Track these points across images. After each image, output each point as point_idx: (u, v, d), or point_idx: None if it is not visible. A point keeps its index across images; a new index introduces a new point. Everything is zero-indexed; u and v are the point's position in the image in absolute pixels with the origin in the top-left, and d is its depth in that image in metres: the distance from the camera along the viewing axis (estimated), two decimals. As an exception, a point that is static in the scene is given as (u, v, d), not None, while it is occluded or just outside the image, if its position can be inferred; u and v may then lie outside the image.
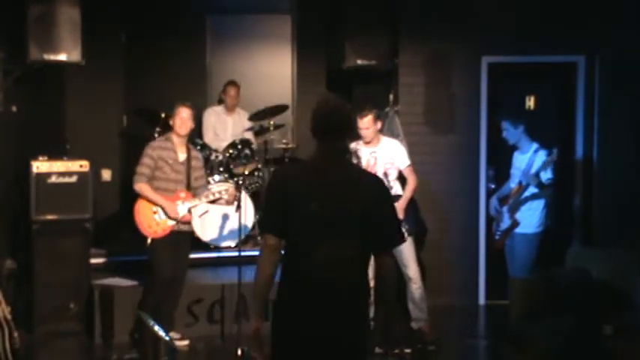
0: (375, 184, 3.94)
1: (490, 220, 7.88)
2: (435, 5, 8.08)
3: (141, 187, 6.62)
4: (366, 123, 6.80)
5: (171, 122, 6.79)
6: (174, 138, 6.73)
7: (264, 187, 8.62)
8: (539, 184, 6.77)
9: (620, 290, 5.89)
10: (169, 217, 6.63)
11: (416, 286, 6.95)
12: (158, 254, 6.61)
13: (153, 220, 6.63)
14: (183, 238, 6.80)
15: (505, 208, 6.95)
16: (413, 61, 8.14)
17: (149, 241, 6.63)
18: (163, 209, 6.62)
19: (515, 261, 6.91)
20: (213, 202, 6.94)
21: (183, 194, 6.70)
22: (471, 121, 8.17)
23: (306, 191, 3.78)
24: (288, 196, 3.78)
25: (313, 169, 3.87)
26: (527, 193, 6.86)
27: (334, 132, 3.85)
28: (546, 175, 6.80)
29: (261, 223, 4.10)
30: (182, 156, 6.74)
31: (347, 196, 3.77)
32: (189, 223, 6.80)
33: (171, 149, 6.71)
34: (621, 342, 5.49)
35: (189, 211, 6.77)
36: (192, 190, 6.80)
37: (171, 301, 6.76)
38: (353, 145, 6.82)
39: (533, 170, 6.74)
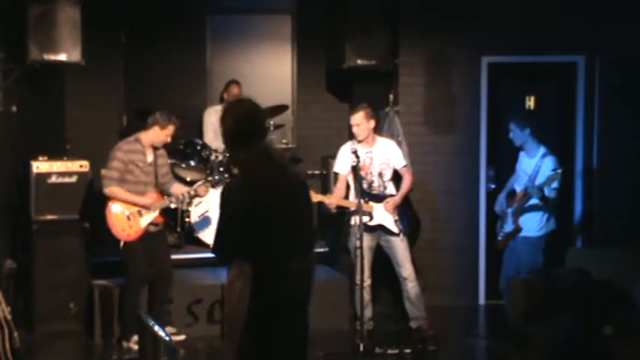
0: (305, 185, 3.78)
1: (490, 220, 7.89)
2: (435, 5, 8.08)
3: (112, 190, 6.59)
4: (357, 119, 6.81)
5: (151, 129, 6.66)
6: (144, 140, 6.70)
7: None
8: (543, 198, 6.72)
9: (620, 290, 5.88)
10: (151, 209, 6.62)
11: (411, 285, 6.95)
12: (132, 256, 6.62)
13: (126, 223, 6.61)
14: (158, 238, 6.80)
15: (510, 211, 6.90)
16: (413, 61, 8.15)
17: (122, 244, 6.63)
18: (142, 206, 6.61)
19: (518, 264, 6.88)
20: (192, 197, 6.97)
21: (154, 195, 6.70)
22: (471, 121, 8.17)
23: (271, 205, 3.50)
24: (261, 215, 3.47)
25: (266, 179, 3.55)
26: (531, 202, 6.81)
27: (262, 135, 3.65)
28: (550, 187, 6.76)
29: (234, 249, 3.57)
30: (150, 157, 6.73)
31: (300, 202, 3.56)
32: (158, 224, 6.78)
33: (141, 152, 6.68)
34: (621, 342, 5.48)
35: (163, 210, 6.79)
36: (160, 187, 6.80)
37: (160, 297, 6.78)
38: (351, 145, 6.82)
39: (538, 182, 6.69)
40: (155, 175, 6.74)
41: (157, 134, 6.67)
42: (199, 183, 7.05)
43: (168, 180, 6.92)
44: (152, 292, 6.77)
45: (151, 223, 6.69)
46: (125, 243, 6.63)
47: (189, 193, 6.88)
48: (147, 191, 6.68)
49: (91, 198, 7.33)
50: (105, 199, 6.64)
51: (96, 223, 7.52)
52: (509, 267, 6.92)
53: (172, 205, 6.99)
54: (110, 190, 6.60)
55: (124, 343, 6.68)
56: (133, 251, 6.62)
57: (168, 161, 7.06)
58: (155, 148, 6.76)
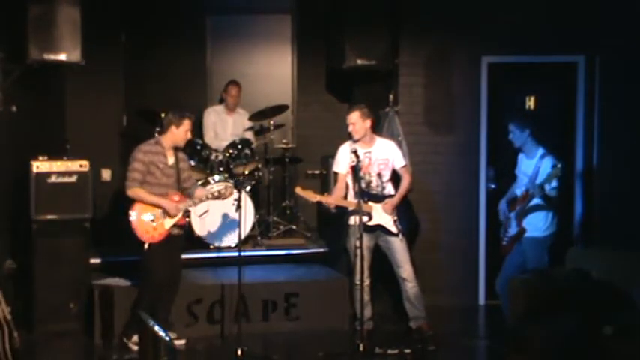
0: None
1: (490, 220, 7.90)
2: (435, 5, 8.08)
3: (135, 191, 6.57)
4: (353, 119, 6.83)
5: (172, 130, 6.65)
6: (164, 142, 6.70)
7: (262, 185, 8.65)
8: (544, 197, 6.72)
9: (620, 290, 5.88)
10: (170, 216, 6.62)
11: (411, 285, 6.95)
12: (154, 260, 6.59)
13: (150, 225, 6.60)
14: (176, 242, 6.79)
15: (513, 214, 6.90)
16: (413, 61, 8.15)
17: (146, 246, 6.60)
18: (164, 209, 6.61)
19: (524, 264, 6.87)
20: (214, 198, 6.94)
21: (177, 197, 6.68)
22: (471, 121, 8.17)
23: None
24: None
25: None
26: (533, 202, 6.81)
27: None
28: (550, 185, 6.76)
29: None
30: (171, 159, 6.71)
31: None
32: (183, 226, 6.78)
33: (162, 153, 6.66)
34: (621, 342, 5.48)
35: (185, 213, 6.77)
36: (184, 192, 6.79)
37: (166, 304, 6.75)
38: (351, 145, 6.82)
39: (538, 181, 6.69)
40: (177, 178, 6.72)
41: (175, 134, 6.66)
42: (220, 186, 6.97)
43: (191, 184, 6.90)
44: (160, 298, 6.73)
45: (175, 226, 6.68)
46: (150, 245, 6.61)
47: (212, 195, 6.82)
48: (168, 193, 6.65)
49: (95, 197, 7.35)
50: (123, 200, 6.64)
51: (97, 223, 7.55)
52: (509, 269, 6.91)
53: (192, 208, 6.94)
54: (133, 192, 6.57)
55: (124, 339, 6.68)
56: (155, 254, 6.59)
57: (189, 166, 7.04)
58: (176, 150, 6.74)
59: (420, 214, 7.99)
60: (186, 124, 6.66)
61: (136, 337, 6.53)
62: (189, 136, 6.74)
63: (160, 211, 6.62)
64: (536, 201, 6.76)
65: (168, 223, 6.64)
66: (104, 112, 8.34)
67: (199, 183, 8.01)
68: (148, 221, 6.58)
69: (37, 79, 7.51)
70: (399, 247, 6.91)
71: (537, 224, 6.84)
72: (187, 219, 7.78)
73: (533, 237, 6.85)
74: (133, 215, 6.59)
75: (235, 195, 6.69)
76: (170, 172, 6.70)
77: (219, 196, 6.85)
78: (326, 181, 8.38)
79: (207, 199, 6.87)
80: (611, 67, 8.05)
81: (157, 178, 6.63)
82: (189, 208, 6.92)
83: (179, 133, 6.66)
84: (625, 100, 8.02)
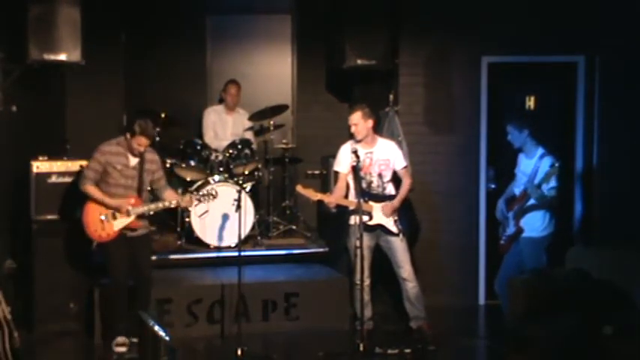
0: None
1: (490, 220, 7.90)
2: (435, 5, 8.08)
3: (87, 188, 6.54)
4: (355, 119, 6.82)
5: (131, 134, 6.54)
6: (126, 143, 6.63)
7: (262, 185, 8.65)
8: (541, 197, 6.73)
9: (620, 290, 5.88)
10: (122, 214, 6.54)
11: (411, 285, 6.95)
12: (110, 257, 6.57)
13: (99, 224, 6.56)
14: (139, 242, 6.71)
15: (511, 214, 6.92)
16: (413, 61, 8.15)
17: (94, 244, 6.58)
18: (113, 209, 6.55)
19: (521, 265, 6.89)
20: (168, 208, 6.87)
21: (132, 200, 6.62)
22: (471, 121, 8.17)
23: None
24: None
25: None
26: (531, 202, 6.82)
27: None
28: (549, 185, 6.77)
29: None
30: (134, 161, 6.63)
31: None
32: (136, 229, 6.68)
33: (122, 154, 6.60)
34: (621, 342, 5.48)
35: (140, 216, 6.67)
36: (154, 193, 6.77)
37: (140, 301, 6.67)
38: (352, 145, 6.83)
39: (536, 181, 6.71)
40: (139, 180, 6.66)
41: (129, 141, 6.59)
42: (186, 196, 6.91)
43: (160, 186, 6.84)
44: (132, 296, 6.69)
45: (127, 228, 6.61)
46: (98, 244, 6.60)
47: (177, 202, 6.75)
48: (127, 195, 6.60)
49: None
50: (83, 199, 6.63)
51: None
52: (508, 269, 6.93)
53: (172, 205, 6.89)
54: (85, 188, 6.56)
55: (112, 347, 6.61)
56: (106, 252, 6.59)
57: (160, 166, 6.96)
58: (145, 151, 6.65)
59: (420, 214, 7.99)
60: (138, 139, 6.50)
61: (119, 339, 6.52)
62: (140, 149, 6.56)
63: (110, 211, 6.58)
64: (533, 200, 6.78)
65: (118, 224, 6.58)
66: (104, 112, 8.33)
67: (199, 183, 8.02)
68: (97, 221, 6.56)
69: (37, 79, 7.51)
70: (399, 247, 6.91)
71: (535, 224, 6.86)
72: (184, 218, 7.77)
73: (531, 237, 6.87)
74: (85, 212, 6.56)
75: (197, 204, 6.77)
76: (130, 173, 6.62)
77: (178, 205, 6.81)
78: (326, 181, 8.39)
79: (165, 206, 6.76)
80: (611, 67, 8.05)
81: (114, 179, 6.57)
82: (193, 208, 6.87)
83: (131, 142, 6.55)
84: (625, 100, 8.03)
